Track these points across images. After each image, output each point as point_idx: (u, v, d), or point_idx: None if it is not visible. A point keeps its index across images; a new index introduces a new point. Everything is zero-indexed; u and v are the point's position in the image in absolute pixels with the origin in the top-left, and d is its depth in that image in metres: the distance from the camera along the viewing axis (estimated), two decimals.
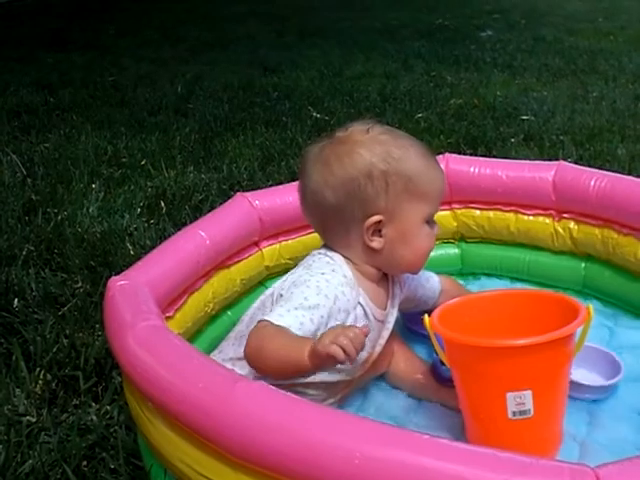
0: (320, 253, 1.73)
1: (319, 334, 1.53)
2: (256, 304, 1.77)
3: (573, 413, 1.68)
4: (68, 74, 5.96)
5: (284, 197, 2.20)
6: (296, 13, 9.35)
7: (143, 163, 3.75)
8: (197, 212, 3.01)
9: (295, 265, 1.79)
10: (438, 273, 2.06)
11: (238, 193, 2.26)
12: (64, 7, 10.11)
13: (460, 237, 2.45)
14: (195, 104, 5.00)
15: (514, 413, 1.51)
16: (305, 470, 1.16)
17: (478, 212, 2.38)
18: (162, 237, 2.71)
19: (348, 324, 1.63)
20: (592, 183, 2.16)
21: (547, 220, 2.30)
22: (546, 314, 1.62)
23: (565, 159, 2.94)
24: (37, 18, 9.16)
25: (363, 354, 1.72)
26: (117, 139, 4.18)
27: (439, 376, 1.80)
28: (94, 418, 1.82)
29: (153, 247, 2.06)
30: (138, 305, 1.60)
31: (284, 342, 1.50)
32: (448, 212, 2.39)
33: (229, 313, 2.12)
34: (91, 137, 4.22)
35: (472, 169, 2.34)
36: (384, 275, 1.78)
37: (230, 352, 1.73)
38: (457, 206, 2.40)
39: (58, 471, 1.64)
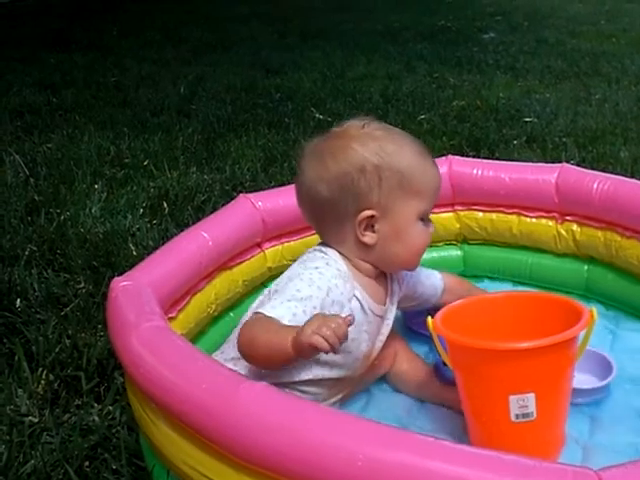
0: (315, 249, 1.74)
1: None
2: (255, 304, 1.77)
3: (575, 416, 1.68)
4: (71, 74, 5.97)
5: (287, 198, 2.20)
6: (298, 15, 9.34)
7: (146, 164, 3.75)
8: (200, 213, 3.01)
9: None
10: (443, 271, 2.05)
11: (241, 194, 2.26)
12: (66, 7, 10.12)
13: (463, 239, 2.45)
14: (198, 105, 5.01)
15: (517, 416, 1.51)
16: (308, 472, 1.16)
17: (481, 214, 2.38)
18: (165, 238, 2.71)
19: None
20: (595, 186, 2.16)
21: (550, 222, 2.30)
22: (549, 317, 1.62)
23: (568, 161, 2.95)
24: (39, 18, 9.17)
25: (363, 349, 1.73)
26: (120, 140, 4.18)
27: (441, 377, 1.80)
28: (96, 419, 1.82)
29: (156, 248, 2.07)
30: (141, 306, 1.60)
31: (272, 332, 1.50)
32: (451, 214, 2.39)
33: (231, 314, 2.12)
34: (94, 137, 4.22)
35: (475, 171, 2.34)
36: (382, 272, 1.78)
37: (232, 352, 1.73)
38: (460, 208, 2.40)
39: (60, 471, 1.64)
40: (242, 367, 1.63)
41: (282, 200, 2.21)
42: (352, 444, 1.14)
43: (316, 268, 1.65)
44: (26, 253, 2.69)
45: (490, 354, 1.51)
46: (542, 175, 2.27)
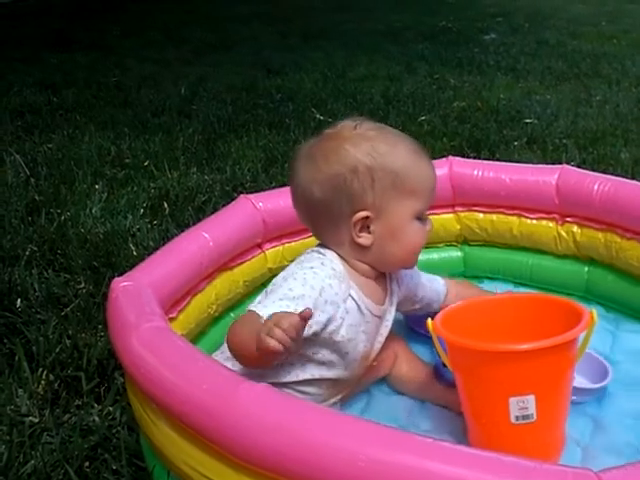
0: (313, 250, 1.74)
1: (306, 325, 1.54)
2: (252, 304, 1.77)
3: (575, 418, 1.68)
4: (72, 74, 5.97)
5: (287, 199, 2.17)
6: (299, 15, 9.34)
7: (146, 164, 3.75)
8: (200, 213, 3.01)
9: None
10: (450, 276, 2.05)
11: (241, 195, 2.26)
12: (67, 7, 10.12)
13: (463, 240, 2.45)
14: (198, 105, 5.01)
15: (517, 418, 1.51)
16: (308, 472, 1.17)
17: (481, 215, 2.38)
18: (165, 238, 2.71)
19: (339, 316, 1.64)
20: (595, 187, 2.16)
21: (550, 224, 2.30)
22: (549, 318, 1.62)
23: (568, 163, 2.95)
24: (40, 18, 9.16)
25: (360, 349, 1.72)
26: (120, 140, 4.18)
27: (441, 378, 1.80)
28: (96, 419, 1.82)
29: (156, 248, 2.07)
30: (141, 306, 1.60)
31: (251, 329, 1.48)
32: (451, 215, 2.39)
33: (232, 315, 2.12)
34: (94, 138, 4.22)
35: (476, 172, 2.34)
36: (382, 272, 1.77)
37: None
38: (460, 209, 2.40)
39: (60, 472, 1.64)
40: (240, 366, 1.64)
41: (283, 201, 2.21)
42: (353, 445, 1.14)
43: (311, 268, 1.65)
44: (27, 253, 2.69)
45: (490, 356, 1.51)
46: (542, 176, 2.28)
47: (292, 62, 6.45)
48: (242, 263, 2.16)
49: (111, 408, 1.85)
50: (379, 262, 1.72)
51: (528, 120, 4.52)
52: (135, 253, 2.67)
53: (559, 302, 1.69)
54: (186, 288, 1.92)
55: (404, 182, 1.66)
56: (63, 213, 3.09)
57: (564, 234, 2.27)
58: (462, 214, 2.40)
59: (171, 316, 1.82)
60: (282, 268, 2.20)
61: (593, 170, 2.42)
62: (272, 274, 2.23)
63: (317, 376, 1.69)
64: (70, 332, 2.17)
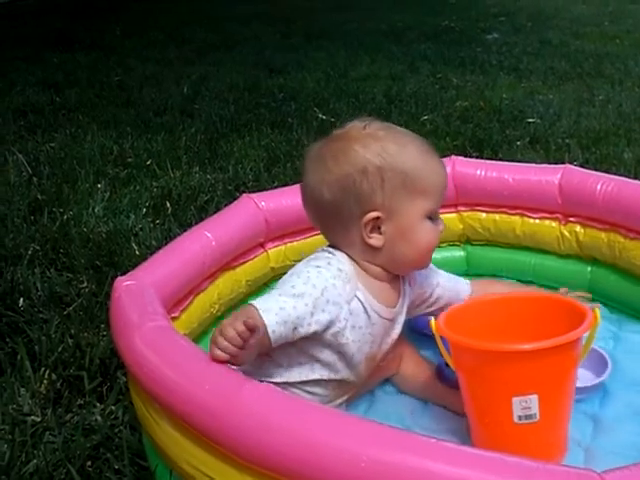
0: (324, 249, 1.73)
1: (305, 323, 1.56)
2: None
3: (578, 418, 1.68)
4: (74, 74, 5.97)
5: (290, 198, 2.20)
6: (301, 15, 9.34)
7: (149, 163, 3.75)
8: (203, 213, 3.01)
9: None
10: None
11: (244, 194, 2.26)
12: (69, 7, 10.12)
13: (466, 240, 2.45)
14: (201, 105, 5.01)
15: (520, 417, 1.50)
16: (311, 473, 1.16)
17: (484, 215, 2.38)
18: (168, 237, 2.71)
19: (342, 317, 1.63)
20: (598, 187, 2.15)
21: (553, 223, 2.30)
22: (552, 318, 1.62)
23: (571, 162, 2.94)
24: (42, 18, 9.17)
25: (365, 350, 1.71)
26: (123, 139, 4.18)
27: (445, 379, 1.79)
28: (99, 418, 1.82)
29: (159, 247, 2.07)
30: (144, 306, 1.60)
31: None
32: (454, 214, 2.39)
33: None
34: (97, 137, 4.22)
35: (478, 172, 2.34)
36: (396, 275, 1.75)
37: None
38: (463, 209, 2.40)
39: (62, 471, 1.64)
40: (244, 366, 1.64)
41: (285, 200, 2.21)
42: (355, 445, 1.14)
43: (317, 267, 1.64)
44: (29, 252, 2.69)
45: (493, 356, 1.51)
46: (545, 176, 2.27)
47: (294, 62, 6.45)
48: (245, 262, 2.16)
49: (113, 407, 1.85)
50: (391, 263, 1.70)
51: (531, 120, 4.52)
52: (138, 252, 2.67)
53: (562, 302, 1.69)
54: (189, 287, 1.91)
55: (414, 182, 1.64)
56: (66, 212, 3.09)
57: (567, 234, 2.27)
58: (465, 214, 2.39)
59: (174, 315, 1.82)
60: (285, 267, 2.22)
61: (596, 170, 2.42)
62: (274, 273, 2.23)
63: (325, 377, 1.68)
64: (72, 331, 2.16)
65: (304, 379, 1.67)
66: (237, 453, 1.25)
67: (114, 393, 1.90)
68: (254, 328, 1.42)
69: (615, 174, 2.37)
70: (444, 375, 1.79)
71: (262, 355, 1.65)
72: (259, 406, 1.24)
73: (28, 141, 4.19)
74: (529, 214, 2.32)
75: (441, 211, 2.29)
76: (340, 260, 1.67)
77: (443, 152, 3.39)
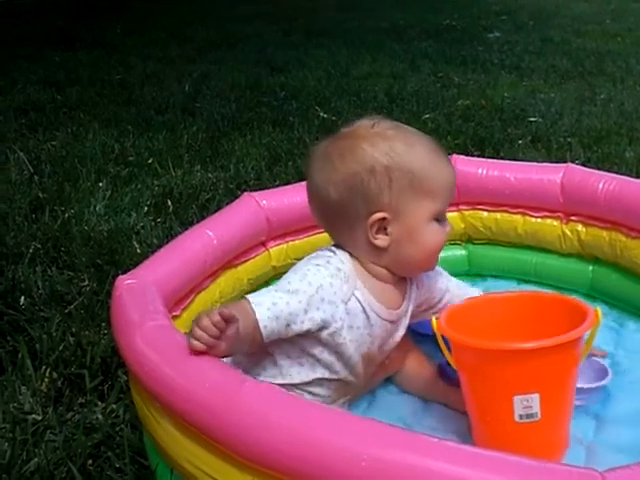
0: (326, 248, 1.72)
1: (298, 320, 1.55)
2: None
3: (579, 417, 1.68)
4: (75, 72, 5.97)
5: (291, 197, 2.20)
6: (301, 14, 9.32)
7: (150, 162, 3.75)
8: (204, 211, 3.01)
9: None
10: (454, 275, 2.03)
11: (245, 193, 2.26)
12: (70, 5, 10.12)
13: (467, 238, 2.44)
14: (202, 103, 5.00)
15: (521, 416, 1.50)
16: (311, 471, 1.16)
17: (485, 214, 2.38)
18: (169, 236, 2.71)
19: (338, 317, 1.62)
20: (600, 186, 2.15)
21: (555, 222, 2.29)
22: (554, 317, 1.62)
23: (573, 161, 2.94)
24: (43, 16, 9.16)
25: (363, 350, 1.70)
26: (124, 137, 4.18)
27: (445, 377, 1.79)
28: (100, 417, 1.82)
29: (160, 246, 2.07)
30: (145, 304, 1.60)
31: None
32: (456, 213, 2.38)
33: None
34: (98, 135, 4.22)
35: (480, 170, 2.34)
36: (402, 277, 1.74)
37: None
38: (464, 207, 2.39)
39: (63, 470, 1.64)
40: (238, 362, 1.64)
41: (287, 199, 2.21)
42: (356, 444, 1.14)
43: (316, 265, 1.63)
44: (30, 251, 2.69)
45: (494, 354, 1.51)
46: (547, 175, 2.27)
47: (296, 60, 6.44)
48: (246, 261, 2.16)
49: (114, 406, 1.85)
50: (396, 264, 1.69)
51: (532, 118, 4.52)
52: (139, 251, 2.67)
53: (563, 300, 1.69)
54: (190, 286, 1.91)
55: (422, 182, 1.62)
56: (67, 211, 3.09)
57: (568, 233, 2.27)
58: (466, 212, 2.39)
59: (175, 314, 1.82)
60: (286, 266, 2.22)
61: (598, 169, 2.42)
62: (276, 272, 2.23)
63: (327, 376, 1.68)
64: (74, 330, 2.17)
65: (305, 379, 1.66)
66: (237, 451, 1.25)
67: (115, 392, 1.90)
68: (229, 318, 1.41)
69: (617, 173, 2.36)
70: (445, 374, 1.79)
71: (263, 354, 1.65)
72: (259, 404, 1.24)
73: (29, 139, 4.19)
74: (531, 213, 2.32)
75: None
76: (340, 259, 1.66)
77: (443, 149, 3.40)
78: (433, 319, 1.62)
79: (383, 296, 1.70)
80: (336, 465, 1.13)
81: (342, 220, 1.66)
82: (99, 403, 1.88)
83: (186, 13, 9.68)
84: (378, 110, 4.60)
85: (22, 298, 2.37)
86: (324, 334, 1.62)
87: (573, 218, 2.26)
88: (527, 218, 2.32)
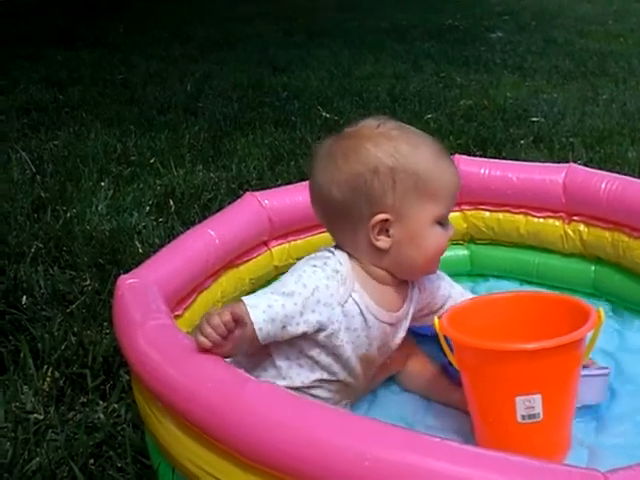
0: (325, 249, 1.71)
1: (294, 322, 1.55)
2: None
3: (581, 417, 1.67)
4: (77, 71, 5.97)
5: (293, 197, 2.20)
6: (303, 14, 9.30)
7: (152, 161, 3.75)
8: (206, 211, 3.00)
9: None
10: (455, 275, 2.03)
11: (247, 192, 2.26)
12: (71, 5, 10.11)
13: (469, 239, 2.44)
14: (204, 103, 5.00)
15: (523, 417, 1.50)
16: (313, 471, 1.16)
17: (488, 214, 2.37)
18: (171, 236, 2.71)
19: (335, 319, 1.61)
20: (603, 186, 2.15)
21: (557, 222, 2.29)
22: (556, 317, 1.62)
23: (575, 161, 2.94)
24: (44, 16, 9.15)
25: (360, 352, 1.69)
26: (126, 137, 4.18)
27: (448, 377, 1.79)
28: (101, 416, 1.81)
29: (162, 246, 2.07)
30: (147, 304, 1.60)
31: None
32: (458, 213, 2.38)
33: None
34: (100, 135, 4.22)
35: (482, 171, 2.33)
36: (404, 280, 1.73)
37: None
38: (467, 207, 2.39)
39: (65, 469, 1.64)
40: (240, 361, 1.64)
41: (289, 198, 2.21)
42: (359, 444, 1.14)
43: (313, 266, 1.63)
44: (32, 250, 2.69)
45: (497, 355, 1.51)
46: (549, 175, 2.27)
47: (298, 60, 6.44)
48: (248, 261, 2.16)
49: (116, 405, 1.85)
50: (397, 267, 1.68)
51: (535, 119, 4.51)
52: (141, 250, 2.67)
53: (566, 301, 1.69)
54: (192, 286, 1.91)
55: (426, 184, 1.61)
56: (69, 210, 3.09)
57: (571, 233, 2.26)
58: (469, 212, 2.39)
59: (177, 314, 1.82)
60: (288, 266, 2.21)
61: (600, 169, 2.41)
62: (278, 272, 2.23)
63: (326, 377, 1.67)
64: (75, 329, 2.17)
65: (305, 380, 1.66)
66: (239, 451, 1.24)
67: (117, 391, 1.90)
68: (240, 319, 1.42)
69: (619, 173, 2.36)
70: (447, 374, 1.79)
71: (264, 355, 1.65)
72: (261, 404, 1.24)
73: (31, 139, 4.19)
74: (533, 213, 2.31)
75: None
76: (338, 261, 1.65)
77: (447, 151, 3.40)
78: (435, 319, 1.62)
79: (382, 298, 1.69)
80: (339, 465, 1.13)
81: (344, 220, 1.66)
82: (101, 402, 1.88)
83: (186, 12, 9.67)
84: (380, 110, 4.60)
85: (24, 297, 2.37)
86: (321, 336, 1.62)
87: (575, 218, 2.26)
88: (529, 218, 2.32)
